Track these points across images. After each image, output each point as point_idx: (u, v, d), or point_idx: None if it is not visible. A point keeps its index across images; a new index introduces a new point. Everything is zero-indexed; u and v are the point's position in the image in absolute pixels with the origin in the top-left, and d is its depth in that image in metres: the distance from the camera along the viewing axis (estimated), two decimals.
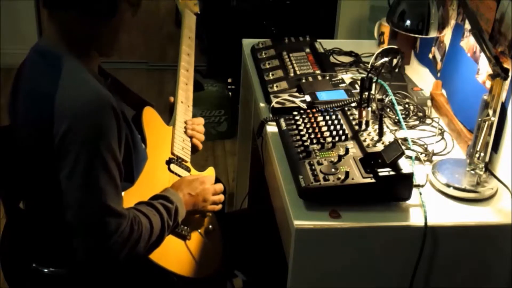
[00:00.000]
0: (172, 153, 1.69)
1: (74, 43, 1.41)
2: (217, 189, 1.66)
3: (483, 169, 1.50)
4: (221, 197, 1.67)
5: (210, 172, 1.76)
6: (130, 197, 1.46)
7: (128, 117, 1.52)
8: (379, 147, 1.46)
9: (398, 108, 1.77)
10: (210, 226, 1.67)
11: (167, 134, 1.72)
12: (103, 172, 1.32)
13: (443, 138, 1.73)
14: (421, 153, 1.63)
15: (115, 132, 1.35)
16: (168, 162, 1.66)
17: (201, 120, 1.81)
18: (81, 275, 1.51)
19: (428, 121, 1.81)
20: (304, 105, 1.74)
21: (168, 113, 1.80)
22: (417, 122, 1.80)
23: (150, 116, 1.67)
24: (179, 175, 1.66)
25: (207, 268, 1.62)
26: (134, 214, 1.40)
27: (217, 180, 1.76)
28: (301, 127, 1.60)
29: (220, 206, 1.67)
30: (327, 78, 1.88)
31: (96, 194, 1.31)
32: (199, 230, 1.63)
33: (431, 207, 1.42)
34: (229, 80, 3.72)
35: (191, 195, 1.57)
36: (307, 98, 1.77)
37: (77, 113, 1.32)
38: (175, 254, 1.56)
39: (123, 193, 1.43)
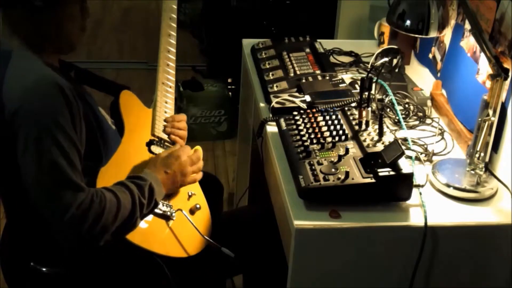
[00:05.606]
0: (153, 135, 1.68)
1: (26, 39, 1.45)
2: (193, 158, 1.63)
3: (483, 169, 1.50)
4: (200, 165, 1.64)
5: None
6: (107, 178, 1.46)
7: (94, 101, 1.55)
8: (379, 147, 1.46)
9: (398, 108, 1.77)
10: (198, 205, 1.65)
11: (147, 117, 1.71)
12: (54, 147, 1.34)
13: (443, 138, 1.73)
14: (421, 153, 1.63)
15: (64, 109, 1.37)
16: (149, 144, 1.65)
17: (183, 117, 1.79)
18: (79, 273, 1.51)
19: (428, 121, 1.81)
20: (304, 105, 1.74)
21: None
22: (417, 122, 1.80)
23: (128, 99, 1.67)
24: None
25: (194, 246, 1.59)
26: (96, 190, 1.40)
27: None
28: (301, 127, 1.59)
29: (200, 174, 1.65)
30: (327, 78, 1.88)
31: (48, 168, 1.34)
32: (184, 210, 1.61)
33: (431, 207, 1.42)
34: (229, 80, 3.73)
35: (167, 173, 1.55)
36: (307, 98, 1.77)
37: (22, 94, 1.37)
38: (158, 235, 1.54)
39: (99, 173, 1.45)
